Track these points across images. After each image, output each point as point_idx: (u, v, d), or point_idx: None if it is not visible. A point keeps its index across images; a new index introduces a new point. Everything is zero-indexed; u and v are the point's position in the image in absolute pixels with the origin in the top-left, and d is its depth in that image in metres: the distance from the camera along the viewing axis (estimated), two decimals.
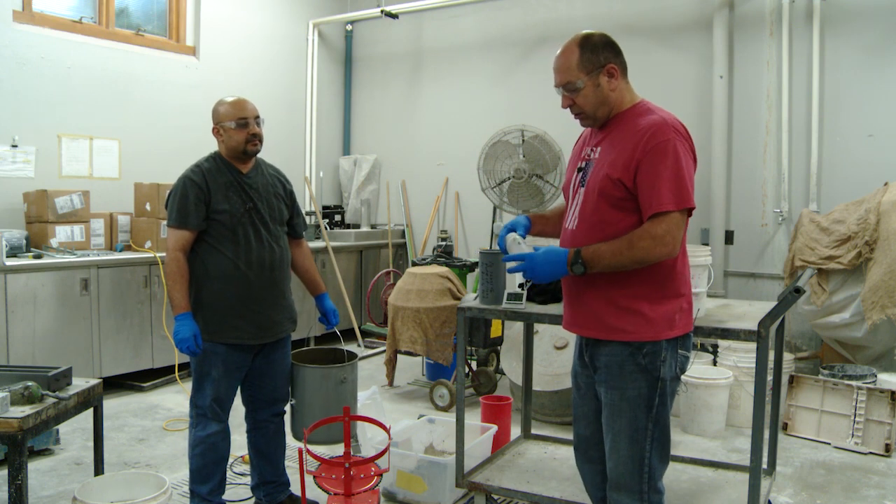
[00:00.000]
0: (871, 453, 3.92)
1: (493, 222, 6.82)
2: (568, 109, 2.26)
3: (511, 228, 2.46)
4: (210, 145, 3.06)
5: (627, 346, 2.16)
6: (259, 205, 2.97)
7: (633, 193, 2.12)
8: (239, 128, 2.93)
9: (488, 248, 6.69)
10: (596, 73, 2.16)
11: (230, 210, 2.91)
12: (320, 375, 3.14)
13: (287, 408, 3.21)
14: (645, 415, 2.17)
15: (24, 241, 4.78)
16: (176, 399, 4.89)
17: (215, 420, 2.95)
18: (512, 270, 2.25)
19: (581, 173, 2.26)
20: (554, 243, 2.44)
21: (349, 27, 7.71)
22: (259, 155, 3.07)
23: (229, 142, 2.95)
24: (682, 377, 4.42)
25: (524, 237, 2.42)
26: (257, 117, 2.97)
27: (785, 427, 4.22)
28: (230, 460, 3.37)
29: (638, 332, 2.14)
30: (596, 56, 2.16)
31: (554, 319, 2.66)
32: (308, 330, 6.28)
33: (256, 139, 2.95)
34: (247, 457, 3.62)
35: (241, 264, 2.91)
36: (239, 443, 3.52)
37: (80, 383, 2.99)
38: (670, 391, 2.22)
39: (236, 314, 2.91)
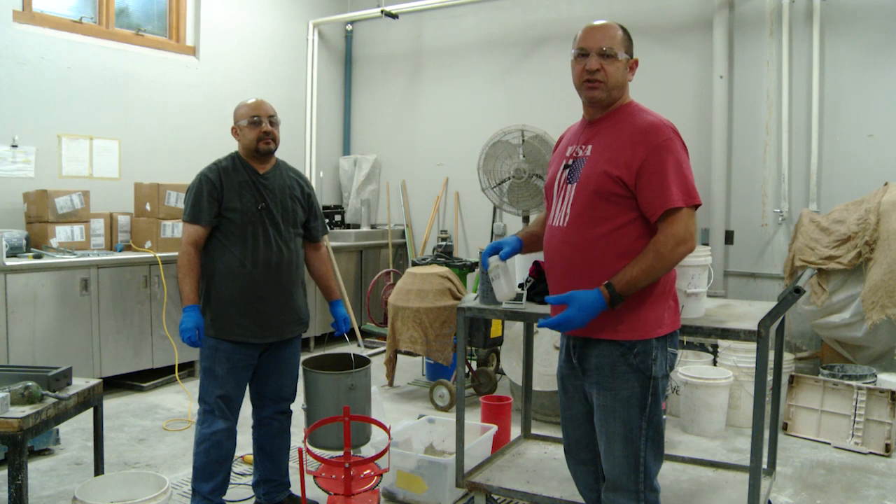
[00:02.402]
0: (871, 453, 3.92)
1: (493, 222, 6.82)
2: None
3: (496, 248, 2.44)
4: (211, 145, 3.08)
5: (618, 347, 2.16)
6: (272, 205, 2.99)
7: (631, 191, 2.13)
8: (251, 125, 2.96)
9: None
10: (627, 58, 2.21)
11: (241, 209, 2.93)
12: (332, 382, 3.13)
13: (292, 407, 3.22)
14: (638, 415, 2.17)
15: (24, 241, 4.78)
16: (176, 399, 4.89)
17: (222, 418, 2.96)
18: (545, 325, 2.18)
19: (568, 170, 2.25)
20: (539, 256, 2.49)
21: (349, 27, 7.71)
22: (277, 157, 3.10)
23: (244, 140, 3.00)
24: (680, 376, 4.43)
25: (505, 260, 2.42)
26: (272, 116, 3.01)
27: (785, 427, 4.22)
28: None
29: (629, 332, 2.14)
30: (630, 44, 2.24)
31: None
32: (309, 331, 6.26)
33: (269, 137, 2.98)
34: (247, 457, 3.63)
35: (247, 263, 2.93)
36: (241, 443, 3.52)
37: (80, 383, 2.99)
38: (662, 389, 2.22)
39: (241, 312, 2.93)
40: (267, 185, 3.01)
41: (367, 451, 3.44)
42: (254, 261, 2.93)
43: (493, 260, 2.42)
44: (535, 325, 3.74)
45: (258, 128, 2.96)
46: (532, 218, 5.48)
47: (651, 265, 2.07)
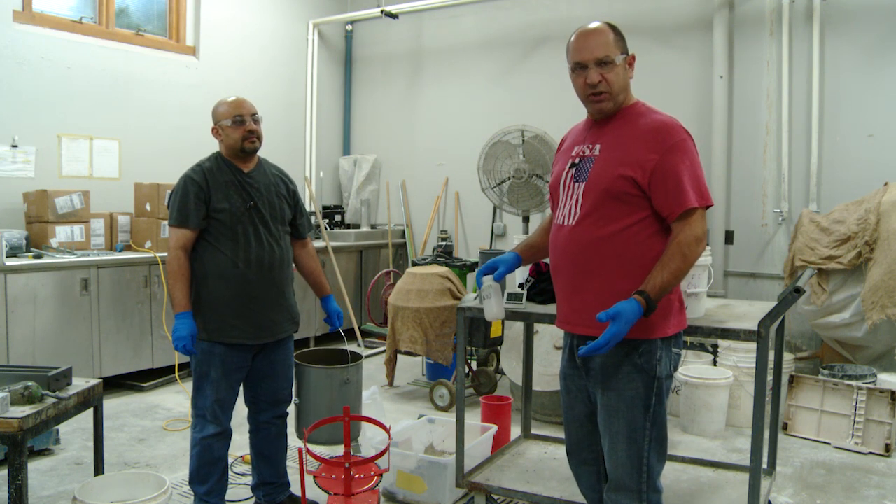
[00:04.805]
0: (871, 453, 3.92)
1: (493, 222, 6.82)
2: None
3: (492, 267, 2.44)
4: (210, 145, 3.06)
5: (623, 346, 2.15)
6: (260, 204, 2.97)
7: (643, 191, 2.12)
8: (235, 125, 2.93)
9: (488, 248, 6.71)
10: (624, 57, 2.18)
11: (230, 209, 2.91)
12: (325, 376, 3.14)
13: (290, 409, 3.21)
14: (643, 415, 2.17)
15: (24, 241, 4.78)
16: (176, 399, 4.89)
17: (213, 423, 2.95)
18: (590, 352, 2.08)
19: (575, 169, 2.24)
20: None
21: (349, 27, 7.71)
22: (259, 155, 3.08)
23: (227, 140, 2.96)
24: (680, 376, 4.43)
25: (500, 280, 2.43)
26: (254, 114, 2.97)
27: (785, 427, 4.22)
28: (230, 460, 3.37)
29: (634, 331, 2.11)
30: (624, 42, 2.20)
31: (554, 319, 2.65)
32: (309, 330, 6.28)
33: (253, 136, 2.95)
34: (247, 457, 3.63)
35: (239, 263, 2.90)
36: (240, 443, 3.52)
37: (80, 383, 2.99)
38: (666, 389, 2.22)
39: (235, 314, 2.91)
40: (253, 183, 2.98)
41: (367, 450, 3.44)
42: (246, 260, 2.91)
43: (487, 280, 2.44)
44: (535, 325, 3.75)
45: (242, 127, 2.93)
46: (532, 219, 5.51)
47: (679, 267, 2.06)
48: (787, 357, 4.64)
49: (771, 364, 3.00)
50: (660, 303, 2.14)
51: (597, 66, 2.14)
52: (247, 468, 3.59)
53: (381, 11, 6.89)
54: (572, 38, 2.21)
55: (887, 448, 3.91)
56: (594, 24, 2.20)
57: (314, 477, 2.88)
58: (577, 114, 2.37)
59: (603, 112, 2.21)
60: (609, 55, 2.14)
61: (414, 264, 5.65)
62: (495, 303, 2.45)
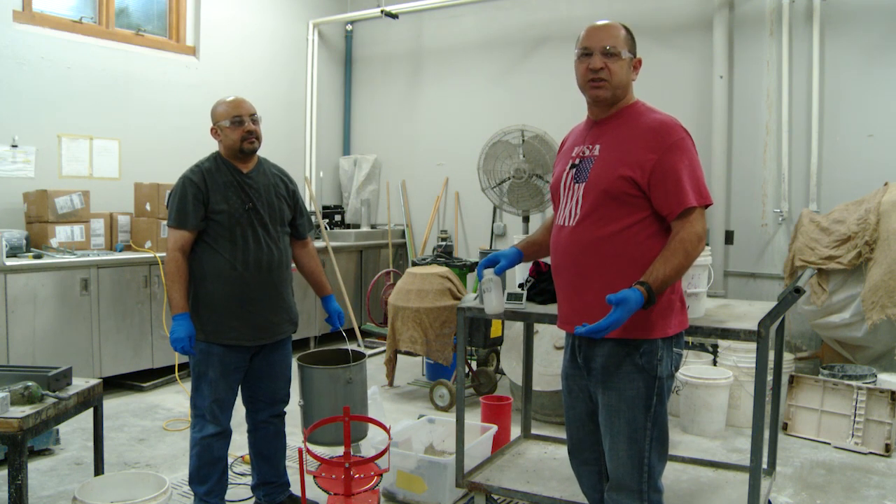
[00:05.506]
0: (871, 453, 3.92)
1: (493, 222, 6.82)
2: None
3: (493, 260, 2.46)
4: (210, 145, 3.05)
5: (624, 346, 2.16)
6: (258, 205, 2.96)
7: (642, 191, 2.13)
8: (234, 126, 2.92)
9: (488, 248, 6.71)
10: (630, 57, 2.21)
11: (229, 210, 2.90)
12: (327, 376, 3.14)
13: (287, 409, 3.21)
14: (643, 415, 2.17)
15: (24, 241, 4.78)
16: (176, 399, 4.89)
17: (213, 422, 2.95)
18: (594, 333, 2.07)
19: (575, 170, 2.25)
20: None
21: (349, 27, 7.71)
22: (259, 154, 3.08)
23: (226, 141, 2.96)
24: (681, 376, 4.43)
25: (500, 274, 2.45)
26: (253, 115, 2.96)
27: (785, 427, 4.22)
28: (230, 460, 3.37)
29: (636, 331, 2.13)
30: (633, 43, 2.24)
31: (554, 319, 2.64)
32: (310, 330, 6.28)
33: (252, 136, 2.94)
34: (247, 457, 3.62)
35: (237, 265, 2.90)
36: (239, 443, 3.52)
37: (80, 383, 2.99)
38: (667, 389, 2.22)
39: (233, 315, 2.91)
40: (252, 184, 2.98)
41: (367, 450, 3.44)
42: (244, 262, 2.90)
43: (488, 273, 2.45)
44: (535, 325, 3.75)
45: (241, 128, 2.92)
46: (532, 219, 5.51)
47: (681, 263, 2.07)
48: (787, 357, 4.64)
49: (771, 364, 3.00)
50: (661, 302, 2.14)
51: (602, 55, 2.17)
52: (247, 468, 3.59)
53: (381, 11, 6.89)
54: (584, 29, 2.24)
55: (887, 448, 3.91)
56: (605, 21, 2.24)
57: (314, 477, 2.88)
58: (578, 114, 2.37)
59: (599, 100, 2.22)
60: (616, 47, 2.17)
61: (414, 264, 5.65)
62: (495, 296, 2.45)
